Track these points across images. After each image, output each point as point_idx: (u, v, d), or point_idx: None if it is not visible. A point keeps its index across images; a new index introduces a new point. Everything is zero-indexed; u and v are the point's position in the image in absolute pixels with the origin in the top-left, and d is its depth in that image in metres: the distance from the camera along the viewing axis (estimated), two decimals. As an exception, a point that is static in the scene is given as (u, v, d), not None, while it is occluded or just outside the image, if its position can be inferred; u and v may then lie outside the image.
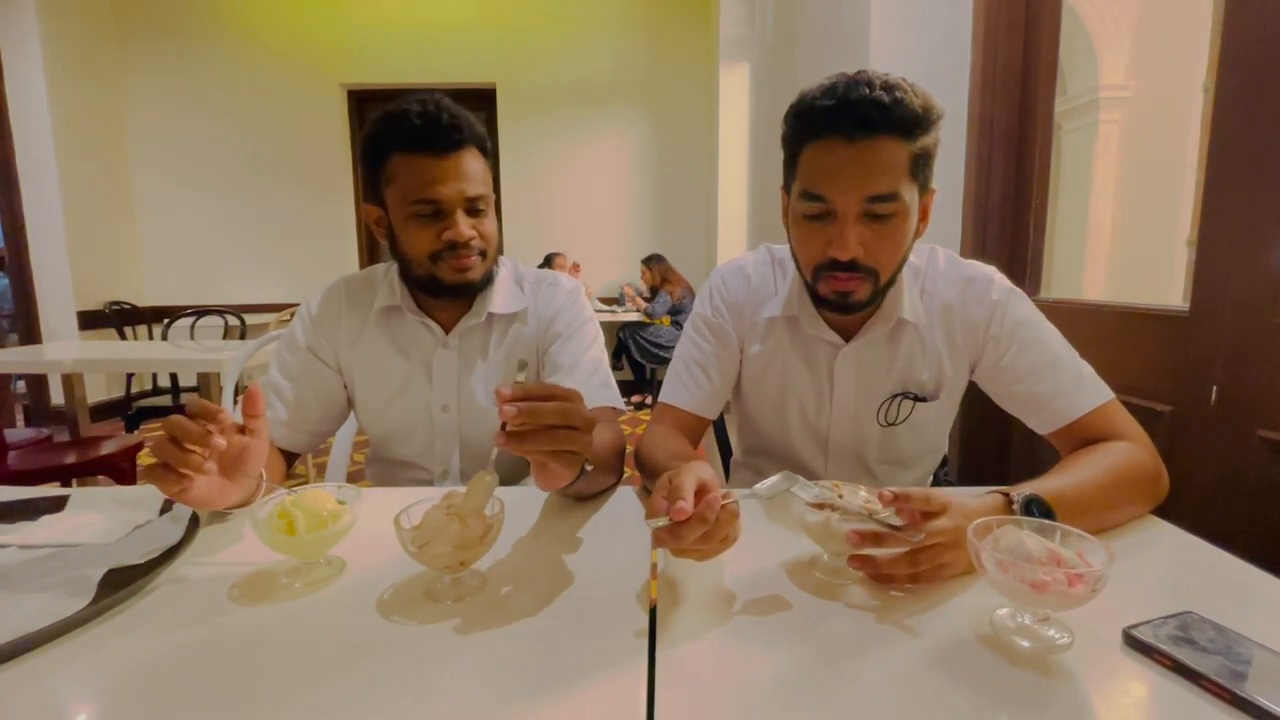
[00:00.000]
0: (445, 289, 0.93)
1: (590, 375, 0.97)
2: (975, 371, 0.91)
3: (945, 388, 0.90)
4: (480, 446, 1.02)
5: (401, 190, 0.87)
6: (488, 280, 0.97)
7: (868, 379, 0.90)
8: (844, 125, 0.71)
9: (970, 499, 0.62)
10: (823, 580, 0.60)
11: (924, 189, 0.77)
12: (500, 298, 1.00)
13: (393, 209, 0.90)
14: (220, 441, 0.61)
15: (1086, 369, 0.83)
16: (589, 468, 0.64)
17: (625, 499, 0.82)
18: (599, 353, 1.02)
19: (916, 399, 0.90)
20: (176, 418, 0.60)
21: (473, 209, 0.90)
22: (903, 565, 0.57)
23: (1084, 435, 0.79)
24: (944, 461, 1.08)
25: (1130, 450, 0.75)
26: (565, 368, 0.97)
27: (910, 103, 0.71)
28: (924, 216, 0.79)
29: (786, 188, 0.83)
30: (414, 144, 0.86)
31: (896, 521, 0.58)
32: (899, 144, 0.72)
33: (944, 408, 0.92)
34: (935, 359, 0.89)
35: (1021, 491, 0.63)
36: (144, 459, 2.31)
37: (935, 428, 0.95)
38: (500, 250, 1.00)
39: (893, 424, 0.91)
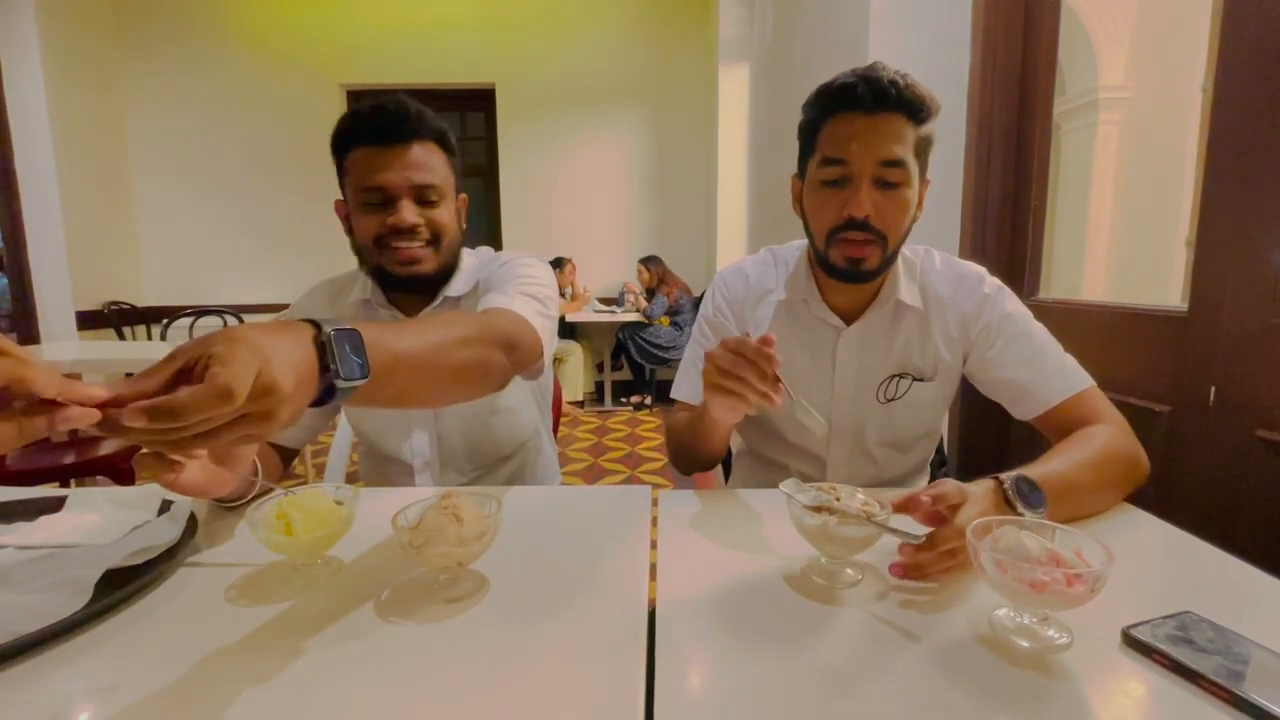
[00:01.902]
0: (395, 281, 0.96)
1: (517, 293, 0.90)
2: (967, 363, 0.94)
3: (940, 371, 0.94)
4: (453, 435, 1.05)
5: (354, 180, 0.92)
6: (446, 272, 0.99)
7: (868, 361, 0.94)
8: (863, 99, 0.79)
9: (968, 485, 0.63)
10: (820, 582, 0.60)
11: (922, 176, 0.84)
12: (459, 282, 1.02)
13: (350, 200, 0.94)
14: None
15: (1069, 360, 0.88)
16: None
17: (625, 499, 0.82)
18: (527, 285, 0.92)
19: (915, 379, 0.94)
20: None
21: (422, 198, 0.92)
22: (940, 560, 0.57)
23: (1064, 421, 0.84)
24: (943, 462, 1.09)
25: (1110, 434, 0.79)
26: (494, 293, 0.91)
27: (919, 88, 0.80)
28: (920, 204, 0.85)
29: (801, 170, 0.89)
30: (365, 137, 0.90)
31: (893, 524, 0.58)
32: (908, 123, 0.80)
33: (940, 391, 0.96)
34: (931, 344, 0.93)
35: (1010, 475, 0.65)
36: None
37: (932, 410, 0.98)
38: (499, 246, 1.00)
39: (891, 400, 0.95)
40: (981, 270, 0.94)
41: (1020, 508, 0.62)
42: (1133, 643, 0.48)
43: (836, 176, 0.82)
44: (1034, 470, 0.68)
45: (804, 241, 0.96)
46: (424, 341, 0.63)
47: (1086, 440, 0.77)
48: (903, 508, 0.60)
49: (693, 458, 0.93)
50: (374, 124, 0.90)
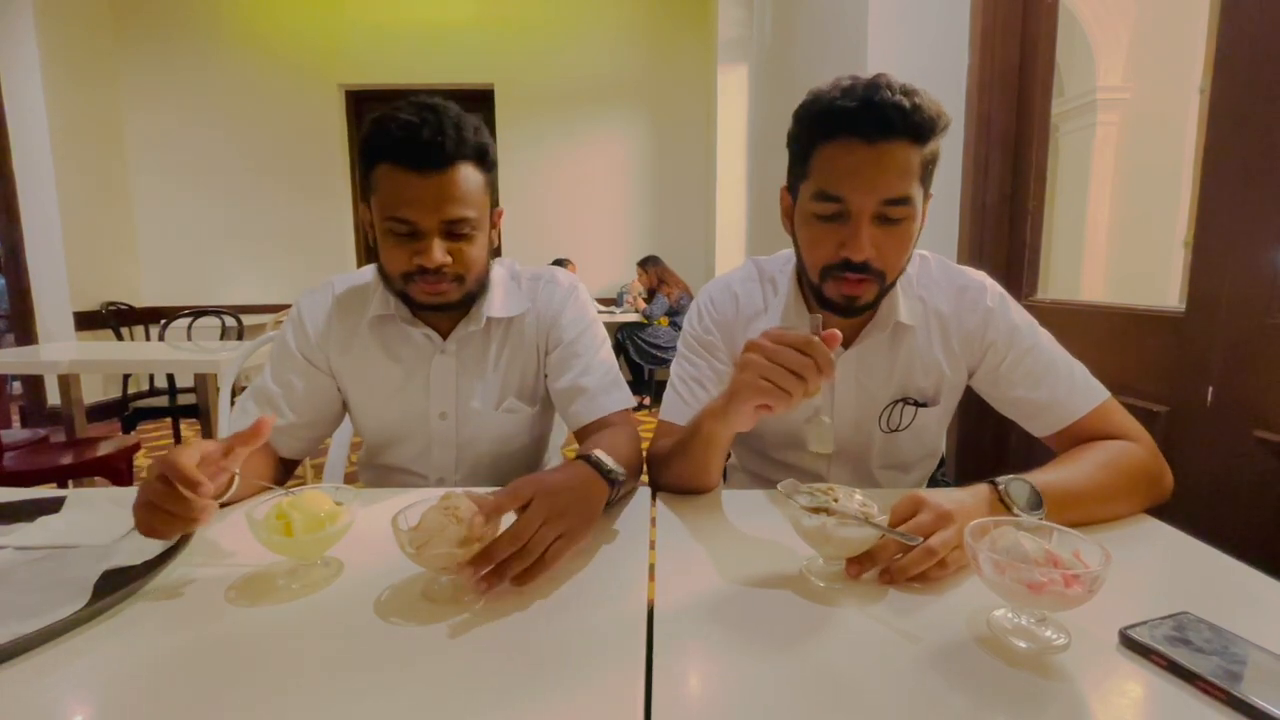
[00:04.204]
0: (419, 307, 0.91)
1: (602, 378, 0.97)
2: (974, 378, 0.91)
3: (944, 392, 0.91)
4: (477, 452, 1.00)
5: (380, 203, 0.83)
6: (471, 297, 0.92)
7: (868, 385, 0.91)
8: (864, 127, 0.71)
9: (959, 491, 0.64)
10: (818, 583, 0.60)
11: (925, 193, 0.79)
12: (499, 301, 0.98)
13: (375, 218, 0.85)
14: (204, 518, 0.61)
15: (1079, 370, 0.85)
16: (619, 492, 0.63)
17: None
18: (608, 354, 1.01)
19: (918, 405, 0.90)
20: (160, 491, 0.59)
21: (453, 232, 0.84)
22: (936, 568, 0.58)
23: (1082, 436, 0.81)
24: (941, 463, 1.08)
25: (1125, 446, 0.77)
26: (576, 371, 0.97)
27: (927, 108, 0.72)
28: (923, 219, 0.80)
29: (792, 188, 0.82)
30: (396, 157, 0.80)
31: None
32: (913, 148, 0.73)
33: (944, 411, 0.93)
34: (933, 363, 0.89)
35: (1005, 478, 0.65)
36: (141, 459, 2.29)
37: (935, 431, 0.96)
38: (499, 253, 0.98)
39: (896, 430, 0.92)
40: (982, 279, 0.90)
41: (1016, 509, 0.62)
42: (1130, 643, 0.48)
43: (832, 213, 0.75)
44: (1035, 476, 0.67)
45: (790, 253, 0.91)
46: (620, 457, 0.77)
47: (1097, 450, 0.75)
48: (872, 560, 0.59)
49: (684, 489, 0.84)
50: (408, 145, 0.79)
